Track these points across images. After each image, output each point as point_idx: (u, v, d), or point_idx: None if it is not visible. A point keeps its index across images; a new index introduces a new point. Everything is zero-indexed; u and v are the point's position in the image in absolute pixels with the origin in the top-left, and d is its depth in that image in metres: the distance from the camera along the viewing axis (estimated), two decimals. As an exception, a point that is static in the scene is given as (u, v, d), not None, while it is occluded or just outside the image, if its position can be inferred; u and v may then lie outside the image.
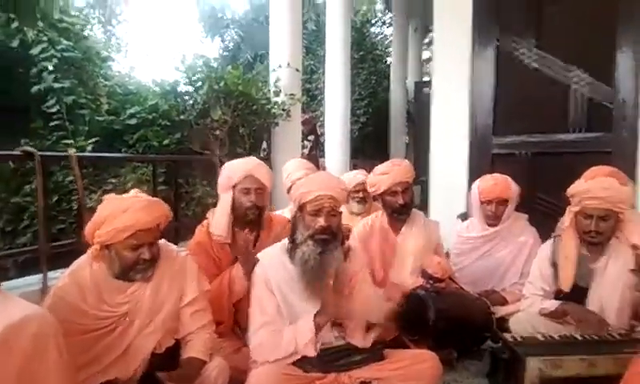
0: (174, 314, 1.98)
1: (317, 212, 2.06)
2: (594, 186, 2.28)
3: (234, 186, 2.50)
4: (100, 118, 5.00)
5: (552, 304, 2.39)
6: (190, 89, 4.79)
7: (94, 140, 4.69)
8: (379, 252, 2.91)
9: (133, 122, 4.87)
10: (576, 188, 2.35)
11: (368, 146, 9.95)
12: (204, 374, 1.97)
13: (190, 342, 2.01)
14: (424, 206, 4.37)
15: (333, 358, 2.07)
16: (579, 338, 2.17)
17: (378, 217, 3.00)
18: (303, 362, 2.04)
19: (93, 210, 1.95)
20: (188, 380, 1.91)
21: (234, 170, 2.52)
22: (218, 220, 2.50)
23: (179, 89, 4.82)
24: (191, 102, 4.77)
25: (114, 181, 4.61)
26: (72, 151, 3.39)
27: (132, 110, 4.93)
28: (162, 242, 2.05)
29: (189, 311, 2.01)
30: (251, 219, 2.51)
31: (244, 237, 2.41)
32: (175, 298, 1.97)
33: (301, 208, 2.13)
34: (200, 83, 4.68)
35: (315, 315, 2.04)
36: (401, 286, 2.76)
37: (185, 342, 2.02)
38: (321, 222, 2.04)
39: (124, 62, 8.10)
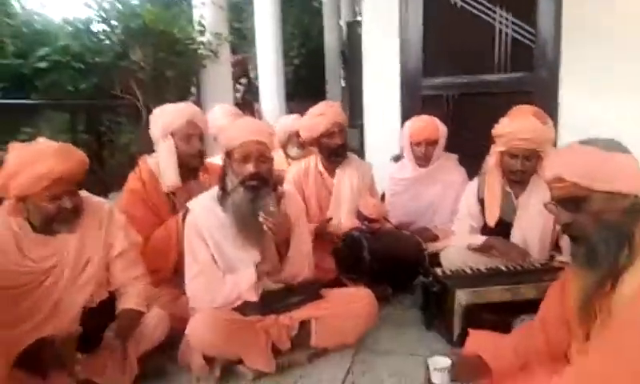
0: (102, 266, 1.92)
1: (245, 158, 2.01)
2: (520, 127, 2.35)
3: (172, 133, 2.40)
4: (5, 61, 4.49)
5: (479, 239, 2.51)
6: (105, 28, 4.39)
7: (0, 86, 4.22)
8: (315, 195, 2.92)
9: (43, 65, 4.40)
10: (502, 129, 2.41)
11: (303, 89, 9.74)
12: (142, 324, 1.96)
13: (124, 294, 1.98)
14: (361, 150, 4.41)
15: (272, 301, 2.10)
16: (504, 269, 2.31)
17: (312, 160, 2.98)
18: (243, 307, 2.06)
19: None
20: (126, 331, 1.89)
21: (173, 116, 2.42)
22: (165, 170, 2.41)
23: (92, 28, 4.41)
24: (107, 42, 4.39)
25: (28, 130, 4.22)
26: (-30, 98, 3.04)
27: (41, 52, 4.46)
28: (85, 193, 1.95)
29: (119, 263, 1.97)
30: (196, 167, 2.45)
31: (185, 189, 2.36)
32: (103, 250, 1.92)
33: (229, 154, 2.06)
34: (114, 21, 4.30)
35: (257, 265, 2.05)
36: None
37: (119, 295, 1.99)
38: (250, 168, 2.00)
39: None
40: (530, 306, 1.70)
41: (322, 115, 2.84)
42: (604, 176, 1.22)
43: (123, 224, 2.01)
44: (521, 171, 2.38)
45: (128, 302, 1.95)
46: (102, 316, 1.91)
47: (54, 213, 1.76)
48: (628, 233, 1.22)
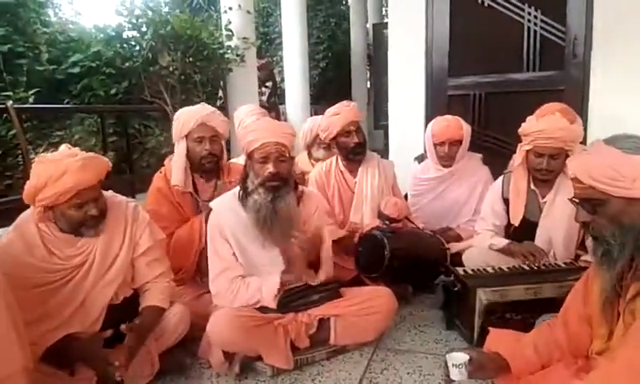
0: (128, 264, 1.96)
1: (265, 159, 2.03)
2: (546, 126, 2.28)
3: (186, 135, 2.47)
4: (40, 68, 4.69)
5: (500, 242, 2.47)
6: (136, 34, 4.52)
7: (34, 91, 4.40)
8: (337, 194, 2.93)
9: (76, 70, 4.60)
10: (529, 128, 2.36)
11: (329, 91, 9.77)
12: (164, 321, 1.99)
13: (147, 291, 2.01)
14: (386, 151, 4.38)
15: (291, 299, 2.11)
16: (526, 268, 2.26)
17: (334, 161, 2.99)
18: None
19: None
20: (147, 329, 1.92)
21: (187, 119, 2.47)
22: (174, 170, 2.47)
23: (124, 34, 4.55)
24: (137, 48, 4.52)
25: (60, 133, 4.39)
26: (9, 102, 3.18)
27: (74, 58, 4.64)
28: (110, 193, 2.00)
29: (144, 261, 2.00)
30: (208, 168, 2.50)
31: (209, 187, 2.42)
32: (128, 248, 1.95)
33: (249, 156, 2.10)
34: (145, 28, 4.42)
35: (282, 272, 2.07)
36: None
37: (142, 292, 2.02)
38: (270, 168, 2.02)
39: (67, 9, 7.56)
40: (552, 306, 1.66)
41: (337, 115, 2.85)
42: (622, 181, 1.18)
43: (147, 222, 2.04)
44: (546, 170, 2.33)
45: (151, 299, 1.98)
46: (124, 312, 1.94)
47: (81, 220, 1.81)
48: None
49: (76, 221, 1.81)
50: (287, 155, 2.09)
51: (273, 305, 2.05)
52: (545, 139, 2.28)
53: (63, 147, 1.87)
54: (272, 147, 2.03)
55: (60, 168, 1.73)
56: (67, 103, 4.58)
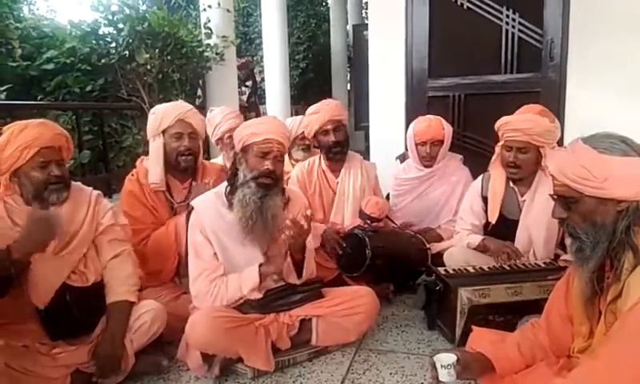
0: (89, 242, 1.95)
1: (265, 154, 2.02)
2: (513, 118, 2.36)
3: (163, 131, 2.40)
4: (13, 64, 4.55)
5: (476, 239, 2.48)
6: (112, 31, 4.43)
7: (7, 87, 4.28)
8: (318, 193, 2.91)
9: (50, 66, 4.47)
10: (500, 122, 2.41)
11: (310, 92, 9.77)
12: (138, 319, 1.95)
13: (110, 283, 1.96)
14: (367, 152, 4.39)
15: (272, 299, 2.08)
16: (507, 268, 2.27)
17: (317, 160, 2.97)
18: (242, 305, 2.05)
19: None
20: (120, 334, 1.87)
21: (164, 114, 2.41)
22: (151, 167, 2.40)
23: (100, 31, 4.44)
24: (113, 44, 4.42)
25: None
26: (-22, 98, 3.07)
27: (48, 55, 4.51)
28: (76, 184, 2.01)
29: (105, 239, 2.00)
30: (185, 166, 2.42)
31: (183, 189, 2.37)
32: (90, 225, 1.96)
33: (245, 149, 2.06)
34: (121, 24, 4.32)
35: (260, 265, 2.03)
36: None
37: (107, 284, 1.97)
38: (268, 164, 2.01)
39: (42, 5, 7.36)
40: (534, 308, 1.67)
41: (317, 113, 2.85)
42: (594, 181, 1.19)
43: (111, 207, 2.05)
44: (514, 164, 2.34)
45: (115, 293, 1.94)
46: (98, 298, 1.93)
47: (44, 180, 1.82)
48: (621, 235, 1.20)
49: (39, 181, 1.82)
50: (283, 156, 2.10)
51: (257, 295, 2.02)
52: (512, 131, 2.32)
53: None
54: (274, 145, 2.03)
55: (21, 125, 1.81)
56: (41, 100, 4.45)
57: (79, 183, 2.03)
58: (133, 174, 2.47)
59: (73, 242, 1.89)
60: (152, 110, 2.50)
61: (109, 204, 2.05)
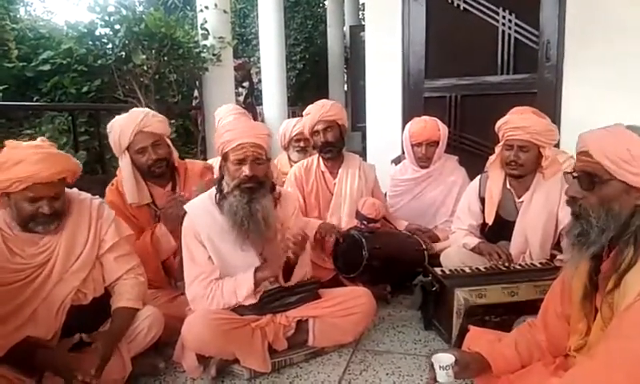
0: (92, 261, 1.90)
1: (240, 161, 1.98)
2: (513, 117, 2.39)
3: (127, 148, 2.32)
4: (9, 65, 4.53)
5: (472, 241, 2.49)
6: (108, 32, 4.41)
7: (3, 88, 4.24)
8: (315, 193, 2.91)
9: (46, 68, 4.45)
10: (500, 121, 2.43)
11: (307, 93, 9.75)
12: (136, 323, 1.93)
13: (117, 290, 1.94)
14: (364, 153, 4.39)
15: (268, 301, 2.07)
16: (503, 268, 2.27)
17: (315, 160, 2.98)
18: (239, 306, 2.04)
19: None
20: (118, 334, 1.86)
21: (121, 132, 2.31)
22: (126, 188, 2.34)
23: (96, 32, 4.43)
24: (110, 45, 4.41)
25: (29, 132, 4.24)
26: (-27, 99, 3.05)
27: (44, 56, 4.49)
28: (74, 191, 1.95)
29: (111, 257, 1.95)
30: (159, 173, 2.38)
31: (165, 194, 2.32)
32: (92, 245, 1.90)
33: (224, 157, 2.04)
34: (118, 25, 4.31)
35: (256, 270, 2.02)
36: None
37: (113, 292, 1.96)
38: (245, 171, 1.97)
39: (38, 5, 7.34)
40: (531, 308, 1.67)
41: (309, 114, 2.86)
42: (635, 168, 1.16)
43: (113, 218, 1.99)
44: (515, 162, 2.35)
45: (121, 299, 1.92)
46: (95, 314, 1.89)
47: (31, 214, 1.75)
48: (632, 229, 1.18)
49: (26, 214, 1.75)
50: (264, 157, 2.04)
51: (253, 299, 2.00)
52: (513, 130, 2.33)
53: (39, 139, 1.83)
54: (248, 149, 1.98)
55: (18, 156, 1.70)
56: (37, 101, 4.43)
57: (77, 193, 1.96)
58: (113, 184, 2.42)
59: (75, 264, 1.85)
60: (108, 127, 2.40)
61: (111, 214, 1.99)
